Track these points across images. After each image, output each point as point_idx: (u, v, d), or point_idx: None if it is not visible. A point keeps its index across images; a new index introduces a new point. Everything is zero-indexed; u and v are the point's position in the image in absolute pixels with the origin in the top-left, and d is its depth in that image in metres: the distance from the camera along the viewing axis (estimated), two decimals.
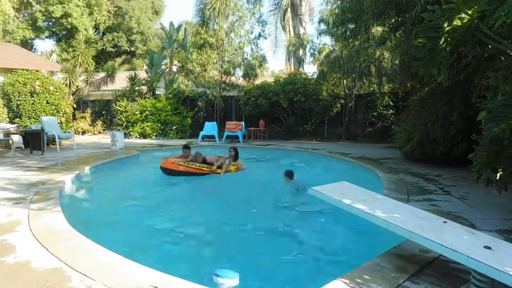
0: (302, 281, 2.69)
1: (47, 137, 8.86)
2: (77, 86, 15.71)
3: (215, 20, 14.74)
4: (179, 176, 6.20)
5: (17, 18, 21.59)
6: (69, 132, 10.03)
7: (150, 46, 28.60)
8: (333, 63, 11.44)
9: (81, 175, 6.05)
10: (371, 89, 13.35)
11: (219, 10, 14.13)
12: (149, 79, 16.24)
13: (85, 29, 19.81)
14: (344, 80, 12.86)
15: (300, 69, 17.21)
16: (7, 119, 9.21)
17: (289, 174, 5.47)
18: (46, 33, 23.67)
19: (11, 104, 9.23)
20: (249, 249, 3.35)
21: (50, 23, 23.24)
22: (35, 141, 8.47)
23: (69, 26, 22.21)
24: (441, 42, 2.80)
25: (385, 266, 2.35)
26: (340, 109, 13.60)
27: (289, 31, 17.52)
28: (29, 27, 22.19)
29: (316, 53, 16.00)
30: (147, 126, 14.03)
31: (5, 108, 9.20)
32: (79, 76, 15.78)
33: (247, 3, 16.09)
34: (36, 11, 21.56)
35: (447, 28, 2.72)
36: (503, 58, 3.25)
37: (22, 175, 5.55)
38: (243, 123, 13.11)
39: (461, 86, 6.49)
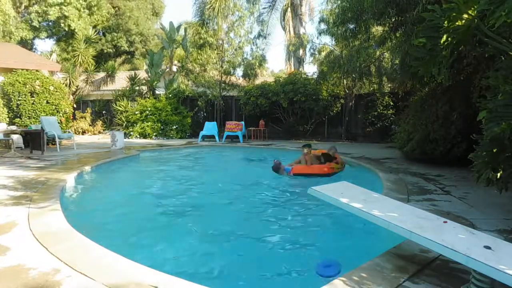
0: (303, 281, 2.69)
1: (47, 137, 8.86)
2: (77, 86, 15.71)
3: (214, 20, 14.74)
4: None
5: (16, 18, 21.60)
6: (69, 132, 10.03)
7: (150, 46, 28.61)
8: (333, 63, 11.42)
9: (81, 174, 6.05)
10: (371, 89, 13.35)
11: (218, 10, 14.12)
12: (149, 79, 16.24)
13: (85, 29, 19.83)
14: (344, 80, 12.85)
15: (300, 69, 17.21)
16: (7, 119, 9.21)
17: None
18: (45, 34, 23.70)
19: (11, 104, 9.23)
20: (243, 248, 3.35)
21: (49, 24, 23.27)
22: (35, 141, 8.47)
23: (66, 28, 22.25)
24: (441, 42, 2.80)
25: (385, 266, 2.35)
26: (340, 109, 13.60)
27: (289, 31, 17.52)
28: (29, 27, 22.21)
29: (316, 53, 16.00)
30: (147, 126, 14.03)
31: (5, 108, 9.20)
32: (79, 76, 15.78)
33: (247, 2, 16.08)
34: (32, 12, 21.62)
35: (448, 28, 2.72)
36: (503, 58, 3.25)
37: (22, 174, 5.55)
38: (243, 123, 13.11)
39: (461, 86, 6.49)
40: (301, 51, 17.59)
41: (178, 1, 59.78)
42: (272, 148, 10.84)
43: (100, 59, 26.01)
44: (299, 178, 6.28)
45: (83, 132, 15.60)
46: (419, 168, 6.62)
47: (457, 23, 2.69)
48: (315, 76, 13.93)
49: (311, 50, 16.51)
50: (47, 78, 10.05)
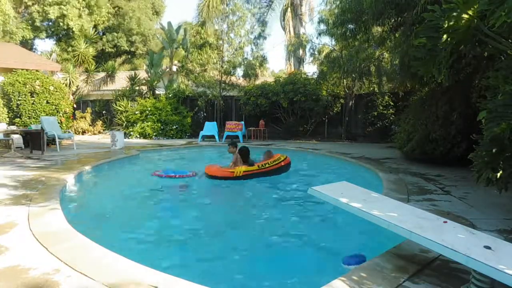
0: (302, 280, 2.69)
1: (47, 137, 8.85)
2: (77, 86, 15.71)
3: (214, 20, 14.76)
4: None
5: (16, 18, 21.60)
6: (69, 132, 10.02)
7: (150, 46, 28.59)
8: (333, 63, 11.44)
9: (81, 174, 6.05)
10: (371, 89, 13.36)
11: (214, 10, 14.12)
12: (149, 79, 16.25)
13: (85, 29, 19.85)
14: (344, 80, 12.87)
15: (300, 69, 17.20)
16: (7, 119, 9.20)
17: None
18: (45, 33, 23.71)
19: (11, 104, 9.22)
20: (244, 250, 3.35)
21: (49, 23, 23.29)
22: (35, 141, 8.47)
23: (65, 27, 22.28)
24: (441, 42, 2.80)
25: (385, 266, 2.35)
26: (340, 109, 13.61)
27: (289, 31, 17.52)
28: (29, 27, 22.21)
29: (316, 53, 15.99)
30: (147, 126, 14.03)
31: (5, 108, 9.19)
32: (79, 76, 15.78)
33: (247, 3, 16.08)
34: (32, 12, 21.63)
35: (448, 28, 2.72)
36: (503, 58, 3.25)
37: (22, 174, 5.55)
38: (243, 123, 13.11)
39: (461, 86, 6.49)
40: (301, 51, 17.59)
41: (178, 1, 59.83)
42: (272, 148, 10.83)
43: (100, 59, 25.99)
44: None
45: (83, 132, 15.59)
46: (419, 168, 6.62)
47: (457, 23, 2.69)
48: (315, 76, 13.94)
49: (311, 50, 16.49)
50: (47, 78, 10.04)
